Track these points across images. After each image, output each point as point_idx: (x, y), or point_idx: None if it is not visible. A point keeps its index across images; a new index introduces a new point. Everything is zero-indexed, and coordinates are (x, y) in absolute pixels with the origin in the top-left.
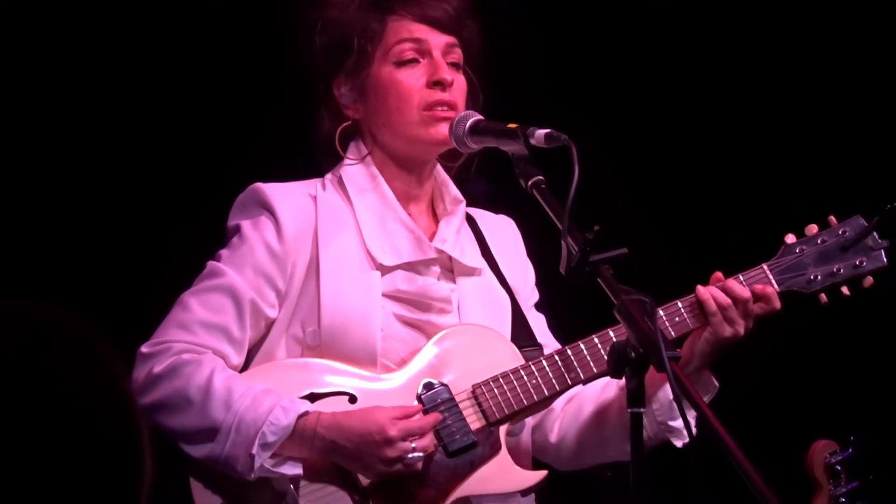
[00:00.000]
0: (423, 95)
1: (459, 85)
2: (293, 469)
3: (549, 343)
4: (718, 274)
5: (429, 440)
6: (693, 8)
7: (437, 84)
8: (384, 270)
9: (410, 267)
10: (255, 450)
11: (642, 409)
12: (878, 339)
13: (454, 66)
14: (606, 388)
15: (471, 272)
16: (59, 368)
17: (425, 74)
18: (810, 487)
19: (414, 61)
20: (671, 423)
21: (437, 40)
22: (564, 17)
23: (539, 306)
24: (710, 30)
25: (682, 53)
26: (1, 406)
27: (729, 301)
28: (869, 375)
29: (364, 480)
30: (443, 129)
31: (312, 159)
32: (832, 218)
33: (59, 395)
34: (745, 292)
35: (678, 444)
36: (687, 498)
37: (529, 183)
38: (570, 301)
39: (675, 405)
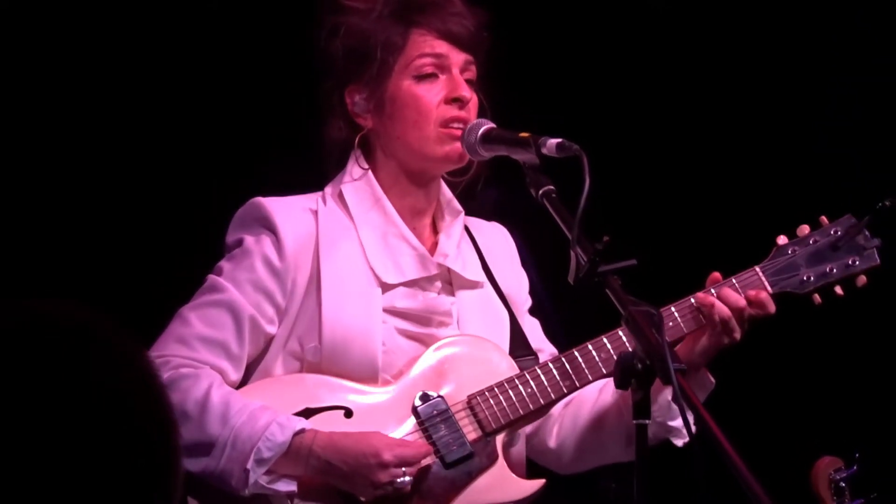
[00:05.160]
0: (441, 111)
1: (474, 103)
2: (287, 486)
3: (544, 348)
4: (716, 275)
5: (417, 467)
6: (689, 14)
7: (456, 101)
8: (386, 287)
9: (413, 283)
10: (249, 465)
11: (648, 421)
12: (886, 355)
13: (469, 83)
14: (604, 390)
15: (472, 285)
16: (95, 368)
17: (444, 90)
18: None
19: (433, 76)
20: (670, 423)
21: (457, 57)
22: (563, 20)
23: (533, 311)
24: (703, 34)
25: (677, 57)
26: (35, 406)
27: (729, 312)
28: (875, 391)
29: (360, 497)
30: (457, 147)
31: (312, 172)
32: (823, 218)
33: (96, 393)
34: (739, 300)
35: (678, 443)
36: None
37: (540, 192)
38: (576, 308)
39: (673, 406)
